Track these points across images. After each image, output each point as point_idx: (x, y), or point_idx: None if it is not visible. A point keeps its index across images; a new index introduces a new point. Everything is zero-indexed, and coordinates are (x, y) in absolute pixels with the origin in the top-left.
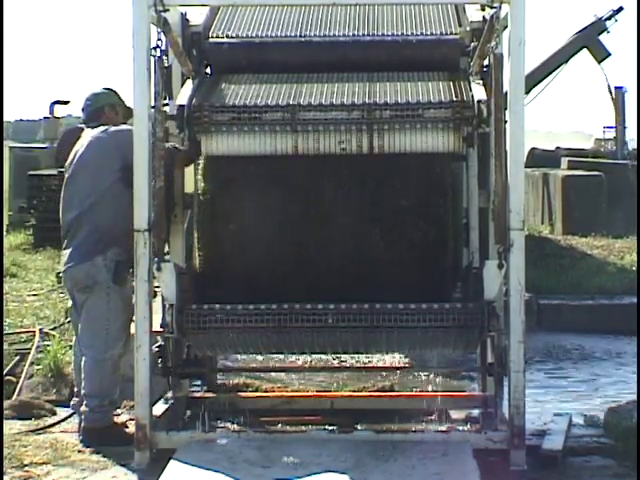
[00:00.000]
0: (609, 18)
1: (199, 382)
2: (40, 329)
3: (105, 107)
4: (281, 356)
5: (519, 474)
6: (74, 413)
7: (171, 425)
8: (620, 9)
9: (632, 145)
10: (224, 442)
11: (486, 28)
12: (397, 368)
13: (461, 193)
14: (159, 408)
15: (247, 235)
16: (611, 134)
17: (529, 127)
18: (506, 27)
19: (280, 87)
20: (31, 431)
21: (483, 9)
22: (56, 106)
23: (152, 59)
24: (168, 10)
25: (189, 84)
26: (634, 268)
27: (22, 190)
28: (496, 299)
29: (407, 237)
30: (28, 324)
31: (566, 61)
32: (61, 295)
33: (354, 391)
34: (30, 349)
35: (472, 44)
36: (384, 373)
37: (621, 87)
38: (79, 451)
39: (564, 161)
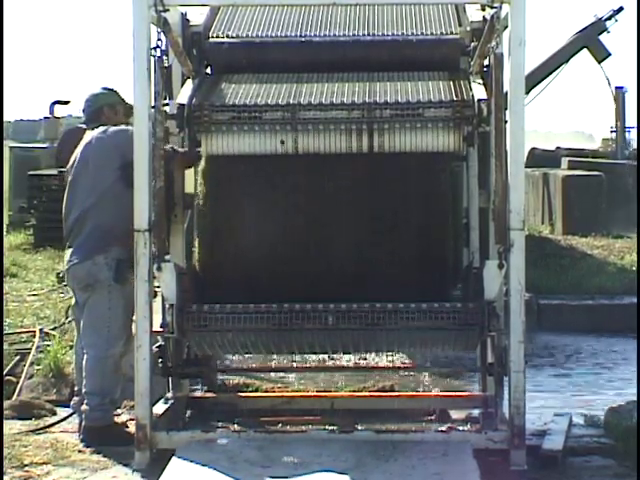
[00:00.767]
0: (609, 18)
1: (199, 382)
2: (40, 329)
3: (104, 107)
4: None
5: (519, 474)
6: (74, 413)
7: (171, 425)
8: (620, 9)
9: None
10: (224, 442)
11: (486, 28)
12: (397, 368)
13: (461, 193)
14: (159, 408)
15: (247, 235)
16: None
17: (529, 127)
18: (506, 27)
19: (280, 87)
20: (31, 431)
21: (483, 9)
22: (56, 106)
23: (152, 59)
24: (168, 10)
25: (189, 84)
26: (634, 268)
27: (22, 190)
28: (496, 299)
29: (407, 237)
30: (28, 324)
31: (566, 61)
32: (61, 295)
33: (354, 391)
34: (30, 349)
35: (472, 44)
36: (384, 373)
37: (621, 87)
38: (79, 451)
39: (564, 161)
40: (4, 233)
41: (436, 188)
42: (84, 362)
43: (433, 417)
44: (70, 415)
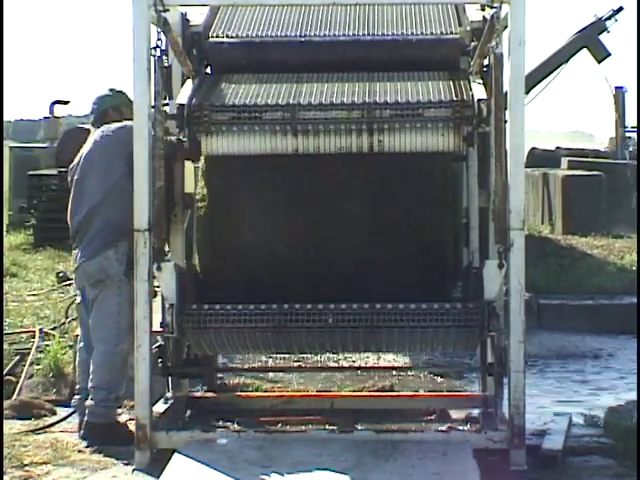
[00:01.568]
0: (609, 18)
1: (199, 382)
2: (40, 329)
3: (109, 109)
4: (281, 356)
5: (519, 474)
6: (74, 412)
7: (171, 425)
8: (620, 9)
9: None
10: (224, 442)
11: (486, 28)
12: (397, 368)
13: (461, 193)
14: (159, 408)
15: (247, 235)
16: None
17: (529, 127)
18: (506, 27)
19: (280, 87)
20: (31, 431)
21: (483, 9)
22: (56, 106)
23: (152, 59)
24: (168, 10)
25: (189, 84)
26: (634, 268)
27: (22, 190)
28: (496, 299)
29: (407, 237)
30: (28, 324)
31: (566, 61)
32: (61, 295)
33: (354, 391)
34: (30, 349)
35: (472, 44)
36: (384, 373)
37: (621, 87)
38: (79, 451)
39: (564, 161)
40: (4, 233)
41: (436, 188)
42: (93, 357)
43: (433, 417)
44: (70, 415)
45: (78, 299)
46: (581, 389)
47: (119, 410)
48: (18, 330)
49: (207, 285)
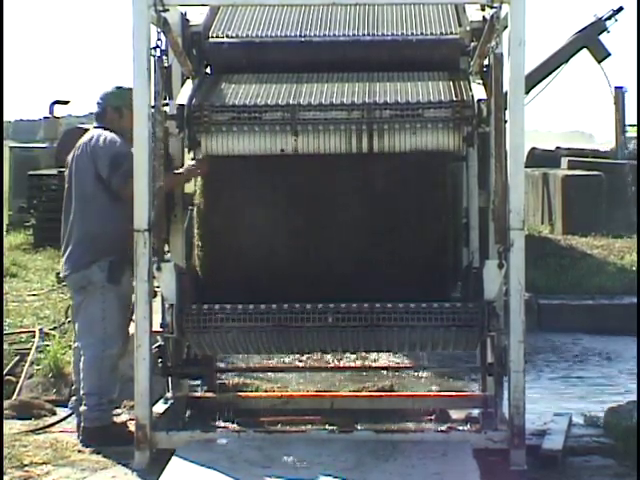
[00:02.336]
0: (609, 18)
1: (199, 382)
2: (40, 329)
3: (108, 108)
4: (281, 356)
5: (519, 474)
6: (73, 413)
7: (171, 425)
8: (620, 9)
9: None
10: (224, 442)
11: (486, 28)
12: (397, 368)
13: (461, 193)
14: (159, 408)
15: (247, 235)
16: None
17: (530, 127)
18: (506, 27)
19: (280, 87)
20: (31, 431)
21: (483, 9)
22: (56, 106)
23: (152, 59)
24: (168, 10)
25: (189, 84)
26: (634, 268)
27: (22, 190)
28: (496, 299)
29: (407, 237)
30: (28, 324)
31: (566, 61)
32: (61, 295)
33: (354, 391)
34: (30, 349)
35: (472, 44)
36: (384, 373)
37: (621, 87)
38: (79, 451)
39: (564, 161)
40: (4, 233)
41: (436, 188)
42: (81, 363)
43: (433, 417)
44: (69, 415)
45: (72, 301)
46: (581, 389)
47: (118, 410)
48: (18, 330)
49: (207, 285)
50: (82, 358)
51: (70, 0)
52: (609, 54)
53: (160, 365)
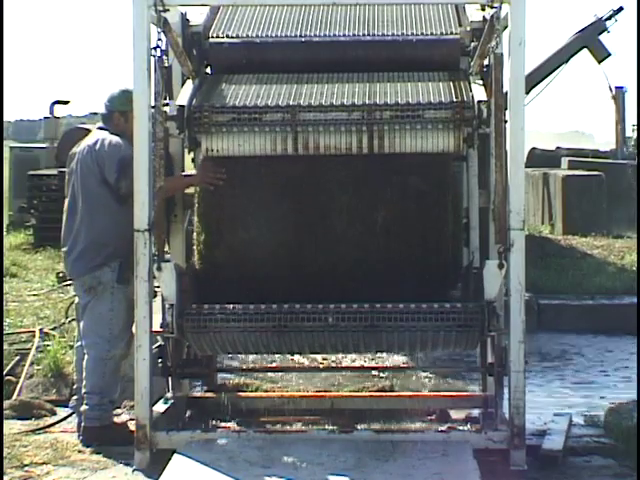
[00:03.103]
0: (609, 18)
1: (199, 382)
2: (40, 329)
3: (115, 113)
4: (281, 356)
5: (519, 474)
6: (73, 412)
7: (171, 425)
8: (620, 9)
9: None
10: (224, 442)
11: (486, 28)
12: (397, 368)
13: (461, 193)
14: (159, 408)
15: (247, 235)
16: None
17: (530, 127)
18: (506, 27)
19: (280, 87)
20: (31, 431)
21: (483, 9)
22: (56, 106)
23: (152, 59)
24: (168, 10)
25: (189, 84)
26: (634, 268)
27: (22, 190)
28: (496, 299)
29: (407, 237)
30: (28, 324)
31: (566, 61)
32: (61, 295)
33: (354, 391)
34: (30, 349)
35: (472, 44)
36: (384, 373)
37: (621, 87)
38: (79, 451)
39: (564, 161)
40: (4, 233)
41: (436, 188)
42: (84, 362)
43: (433, 417)
44: (70, 415)
45: (76, 299)
46: (581, 389)
47: (118, 410)
48: (18, 330)
49: (207, 285)
50: (85, 357)
51: (70, 0)
52: (609, 54)
53: (160, 365)
